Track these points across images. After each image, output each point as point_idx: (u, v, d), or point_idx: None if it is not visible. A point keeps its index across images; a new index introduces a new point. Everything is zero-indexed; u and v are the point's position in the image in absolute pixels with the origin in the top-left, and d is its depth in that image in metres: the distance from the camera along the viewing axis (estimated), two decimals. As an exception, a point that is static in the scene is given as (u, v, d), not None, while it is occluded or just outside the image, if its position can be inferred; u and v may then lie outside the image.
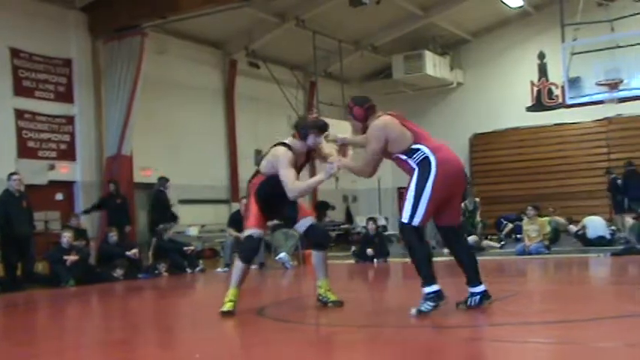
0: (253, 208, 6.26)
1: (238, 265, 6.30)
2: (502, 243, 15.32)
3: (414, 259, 5.62)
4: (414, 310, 5.49)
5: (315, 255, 6.44)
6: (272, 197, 6.22)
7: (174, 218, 14.79)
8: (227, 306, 6.16)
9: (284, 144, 6.45)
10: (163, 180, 14.99)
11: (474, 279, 5.74)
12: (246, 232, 6.28)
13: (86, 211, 13.57)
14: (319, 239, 6.43)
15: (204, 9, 14.83)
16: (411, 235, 5.57)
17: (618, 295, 7.12)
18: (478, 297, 5.70)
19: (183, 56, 17.34)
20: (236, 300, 6.18)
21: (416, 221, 5.51)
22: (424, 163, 5.54)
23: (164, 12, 14.55)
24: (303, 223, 6.35)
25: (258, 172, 6.51)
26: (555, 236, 14.47)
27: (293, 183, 6.05)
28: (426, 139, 5.71)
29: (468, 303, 5.71)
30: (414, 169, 5.59)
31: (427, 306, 5.46)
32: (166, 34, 16.49)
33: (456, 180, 5.63)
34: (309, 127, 6.44)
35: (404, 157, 5.67)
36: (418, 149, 5.61)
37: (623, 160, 19.63)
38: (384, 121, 5.88)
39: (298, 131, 6.46)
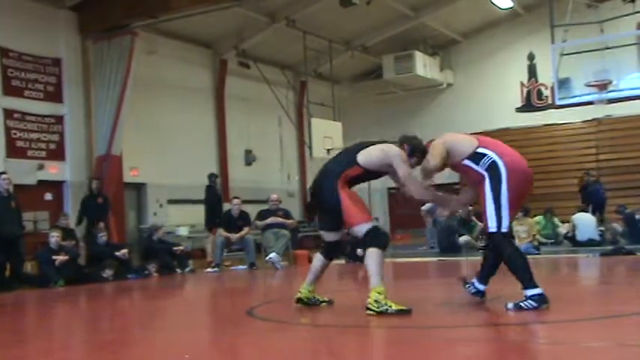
0: (356, 201, 5.76)
1: (377, 254, 5.61)
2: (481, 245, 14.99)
3: (509, 266, 5.58)
4: (511, 305, 5.44)
5: (322, 261, 6.23)
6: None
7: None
8: (390, 305, 5.48)
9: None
10: (213, 176, 15.10)
11: (484, 278, 5.95)
12: (366, 227, 5.67)
13: (79, 222, 13.40)
14: (339, 253, 6.36)
15: (195, 9, 14.81)
16: (503, 243, 5.56)
17: (607, 295, 7.15)
18: (474, 290, 5.99)
19: (174, 56, 17.31)
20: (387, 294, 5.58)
21: (504, 226, 5.49)
22: (492, 167, 5.53)
23: (154, 12, 14.51)
24: (365, 226, 5.77)
25: (344, 166, 5.86)
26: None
27: (418, 185, 5.81)
28: (489, 143, 5.73)
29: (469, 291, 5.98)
30: (484, 175, 5.56)
31: (529, 305, 5.38)
32: (156, 33, 16.46)
33: (525, 183, 5.64)
34: (418, 150, 5.97)
35: (470, 163, 5.63)
36: (485, 154, 5.59)
37: (613, 161, 19.78)
38: (442, 137, 5.88)
39: (406, 144, 6.00)
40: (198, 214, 17.42)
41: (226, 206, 15.69)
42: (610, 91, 14.56)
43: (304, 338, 5.29)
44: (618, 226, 13.92)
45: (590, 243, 13.45)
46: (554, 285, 8.58)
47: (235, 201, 13.46)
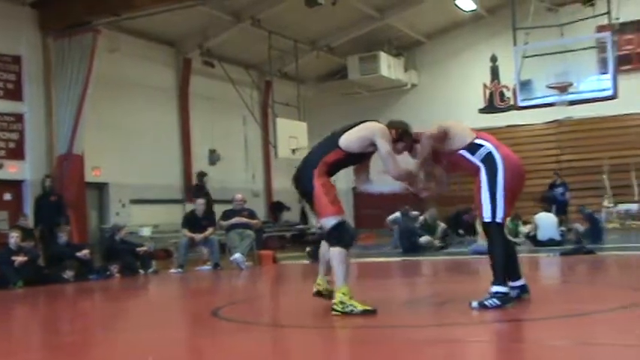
0: (331, 192, 5.61)
1: (338, 253, 5.56)
2: (440, 245, 15.02)
3: (491, 256, 5.64)
4: (475, 303, 5.45)
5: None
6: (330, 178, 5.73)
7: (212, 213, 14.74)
8: (356, 305, 5.46)
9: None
10: (202, 175, 14.96)
11: (514, 275, 5.80)
12: (331, 221, 5.57)
13: (37, 222, 13.13)
14: (351, 238, 6.05)
15: (158, 7, 14.67)
16: (495, 232, 5.58)
17: (568, 295, 7.26)
18: (517, 291, 5.78)
19: (137, 54, 17.13)
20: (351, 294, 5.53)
21: (499, 217, 5.50)
22: (489, 159, 5.55)
23: (117, 9, 14.35)
24: (331, 220, 5.75)
25: (322, 152, 5.75)
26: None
27: (397, 165, 5.64)
28: (486, 136, 5.77)
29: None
30: (479, 167, 5.58)
31: (492, 304, 5.42)
32: (119, 31, 16.26)
33: (519, 180, 5.67)
34: (406, 135, 5.84)
35: (466, 153, 5.63)
36: (482, 145, 5.61)
37: (573, 161, 20.11)
38: (446, 122, 5.85)
39: (395, 129, 5.81)
40: (161, 214, 17.31)
41: (189, 206, 15.62)
42: (570, 93, 14.80)
43: (269, 339, 5.27)
44: (580, 226, 14.13)
45: (550, 243, 13.63)
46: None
47: (199, 201, 13.37)
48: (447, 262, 12.45)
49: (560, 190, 16.66)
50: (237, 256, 12.46)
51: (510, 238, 15.08)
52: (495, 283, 5.48)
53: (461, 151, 5.66)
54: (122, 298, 9.48)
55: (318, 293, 6.12)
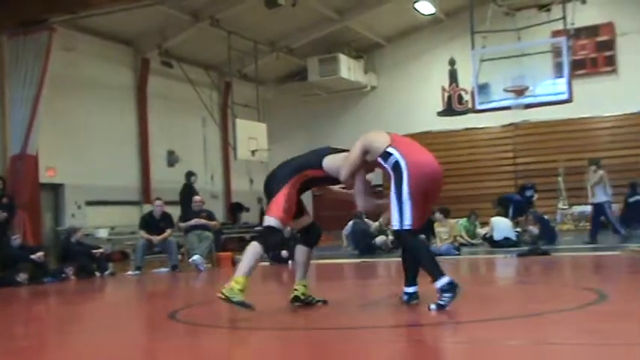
0: (292, 197, 5.80)
1: (258, 251, 5.71)
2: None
3: (417, 260, 5.69)
4: (433, 306, 5.46)
5: (306, 252, 6.19)
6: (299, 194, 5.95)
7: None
8: (237, 294, 5.60)
9: None
10: (191, 174, 14.78)
11: (410, 280, 5.90)
12: (270, 221, 5.73)
13: None
14: (317, 237, 6.26)
15: (116, 5, 14.48)
16: (407, 239, 5.63)
17: (524, 295, 7.35)
18: (407, 296, 5.87)
19: (93, 54, 16.89)
20: (245, 288, 5.66)
21: (406, 224, 5.53)
22: (396, 168, 5.60)
23: (73, 7, 14.10)
24: (305, 220, 6.14)
25: (308, 165, 5.96)
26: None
27: (350, 172, 5.82)
28: (401, 143, 5.77)
29: (403, 300, 5.89)
30: (390, 174, 5.66)
31: (445, 298, 5.43)
32: (75, 30, 16.01)
33: (429, 183, 5.67)
34: None
35: (381, 161, 5.71)
36: (391, 154, 5.66)
37: (529, 164, 20.43)
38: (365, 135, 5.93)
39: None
40: (118, 215, 17.09)
41: (146, 208, 15.45)
42: (526, 97, 15.01)
43: (227, 341, 5.24)
44: (535, 229, 14.35)
45: (506, 243, 13.81)
46: (474, 285, 8.78)
47: (157, 202, 13.24)
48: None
49: (529, 192, 16.90)
50: (195, 257, 12.37)
51: (467, 239, 15.43)
52: (436, 279, 5.51)
53: (379, 159, 5.76)
54: (78, 301, 9.33)
55: (296, 298, 6.11)
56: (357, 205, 6.07)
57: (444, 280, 5.47)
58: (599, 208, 13.97)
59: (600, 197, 13.95)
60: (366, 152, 5.79)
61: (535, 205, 16.77)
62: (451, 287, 5.45)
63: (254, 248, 5.70)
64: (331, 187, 6.35)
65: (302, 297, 6.09)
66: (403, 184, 5.53)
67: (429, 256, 5.67)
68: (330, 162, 5.90)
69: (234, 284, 5.56)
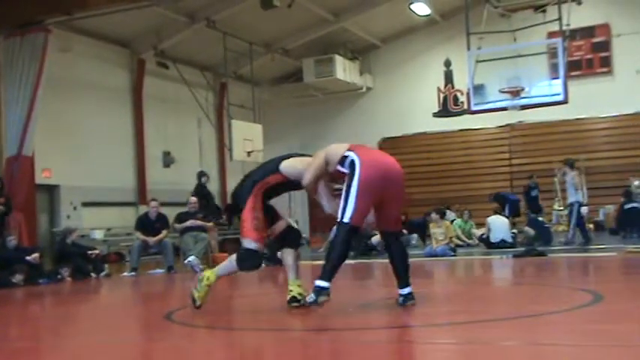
0: (260, 217, 5.93)
1: (233, 267, 6.04)
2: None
3: (328, 252, 5.77)
4: (307, 298, 5.66)
5: (291, 253, 6.29)
6: (265, 202, 6.08)
7: (217, 210, 14.56)
8: (200, 294, 6.12)
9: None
10: (203, 174, 14.81)
11: (402, 282, 5.90)
12: (249, 245, 5.91)
13: None
14: (297, 238, 6.41)
15: (112, 7, 14.47)
16: (341, 232, 5.68)
17: (520, 296, 7.37)
18: (402, 298, 5.88)
19: (89, 55, 16.88)
20: (209, 289, 6.13)
21: (346, 217, 5.59)
22: (351, 165, 5.71)
23: (69, 8, 14.10)
24: (281, 224, 6.26)
25: (264, 174, 6.10)
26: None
27: (312, 178, 5.93)
28: (359, 148, 5.88)
29: (399, 302, 5.89)
30: (346, 173, 5.74)
31: (311, 297, 5.58)
32: (71, 31, 15.99)
33: (383, 184, 5.69)
34: None
35: (340, 167, 5.81)
36: (347, 156, 5.78)
37: (525, 165, 20.46)
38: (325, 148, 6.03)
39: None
40: (114, 216, 17.06)
41: (142, 209, 15.43)
42: (522, 98, 15.02)
43: (222, 342, 5.24)
44: (530, 230, 14.38)
45: (502, 245, 13.84)
46: (470, 286, 8.80)
47: (153, 203, 13.23)
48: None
49: (535, 192, 16.95)
50: (191, 258, 12.32)
51: (464, 239, 15.47)
52: (321, 278, 5.61)
53: (337, 167, 5.85)
54: (73, 303, 9.31)
55: (293, 299, 6.14)
56: (323, 208, 6.12)
57: (323, 284, 5.57)
58: (569, 208, 13.97)
59: (571, 198, 13.96)
60: (327, 163, 5.90)
61: (540, 205, 16.88)
62: (321, 293, 5.55)
63: (231, 263, 6.02)
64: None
65: (299, 297, 6.11)
66: (354, 179, 5.63)
67: (337, 261, 5.68)
68: (288, 165, 6.02)
69: (206, 280, 6.04)
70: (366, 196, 5.62)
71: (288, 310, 6.06)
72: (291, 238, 6.35)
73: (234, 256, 6.03)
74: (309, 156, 6.14)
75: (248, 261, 5.94)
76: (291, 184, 6.14)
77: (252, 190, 5.95)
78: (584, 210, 14.16)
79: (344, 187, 5.69)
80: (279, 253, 12.63)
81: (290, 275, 6.25)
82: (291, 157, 6.18)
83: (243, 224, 5.92)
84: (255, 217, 5.88)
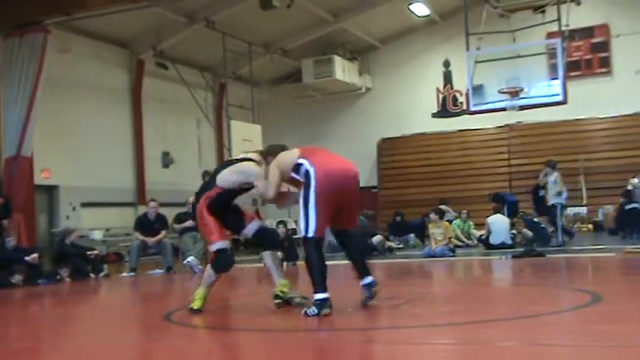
0: (212, 221, 6.20)
1: (212, 274, 6.27)
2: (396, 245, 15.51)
3: (308, 268, 5.79)
4: (303, 312, 5.63)
5: (270, 255, 6.44)
6: (222, 210, 6.29)
7: None
8: (196, 304, 6.20)
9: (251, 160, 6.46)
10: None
11: (363, 273, 5.99)
12: (217, 246, 6.18)
13: None
14: (272, 239, 6.56)
15: (111, 7, 14.48)
16: (309, 247, 5.76)
17: (519, 296, 7.37)
18: (367, 288, 5.96)
19: (89, 55, 16.87)
20: (205, 299, 6.24)
21: (310, 232, 5.67)
22: (306, 175, 5.74)
23: (68, 9, 14.10)
24: (251, 227, 6.41)
25: (206, 187, 6.40)
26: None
27: (270, 189, 6.10)
28: (311, 154, 5.92)
29: (365, 294, 5.97)
30: (301, 181, 5.81)
31: (313, 311, 5.56)
32: (70, 31, 15.99)
33: (339, 190, 5.74)
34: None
35: (295, 175, 5.88)
36: (301, 164, 5.81)
37: (523, 166, 20.48)
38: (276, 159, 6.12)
39: (273, 155, 6.24)
40: (113, 217, 17.06)
41: (141, 209, 15.42)
42: (521, 98, 15.02)
43: (222, 343, 5.24)
44: (528, 232, 14.36)
45: (502, 246, 13.83)
46: (469, 286, 8.80)
47: (152, 204, 13.21)
48: (400, 264, 12.54)
49: (542, 192, 16.97)
50: (190, 259, 12.35)
51: (463, 239, 15.47)
52: (316, 291, 5.65)
53: (292, 174, 5.91)
54: (72, 303, 9.31)
55: (276, 297, 6.27)
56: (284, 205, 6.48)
57: (321, 296, 5.60)
58: (553, 210, 13.93)
59: (553, 199, 13.93)
60: (281, 174, 5.99)
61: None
62: (323, 304, 5.56)
63: (208, 275, 6.28)
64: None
65: (281, 294, 6.24)
66: (310, 191, 5.67)
67: (320, 269, 5.73)
68: (223, 180, 6.28)
69: (198, 299, 6.20)
70: (325, 207, 5.68)
71: (288, 310, 6.06)
72: (267, 240, 6.50)
73: (207, 272, 6.30)
74: (244, 160, 6.35)
75: (221, 261, 6.16)
76: (237, 191, 6.33)
77: (200, 200, 6.25)
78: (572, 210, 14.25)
79: (301, 199, 5.72)
80: (278, 254, 12.67)
81: (274, 277, 6.37)
82: (230, 165, 6.42)
83: (203, 234, 6.37)
84: (205, 225, 6.20)
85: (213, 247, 6.18)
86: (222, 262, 6.19)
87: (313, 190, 5.63)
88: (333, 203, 5.72)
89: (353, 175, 5.90)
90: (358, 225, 6.18)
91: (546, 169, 14.44)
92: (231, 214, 6.36)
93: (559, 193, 13.95)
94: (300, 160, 5.82)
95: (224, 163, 6.69)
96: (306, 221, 5.67)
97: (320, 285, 5.63)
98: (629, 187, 16.05)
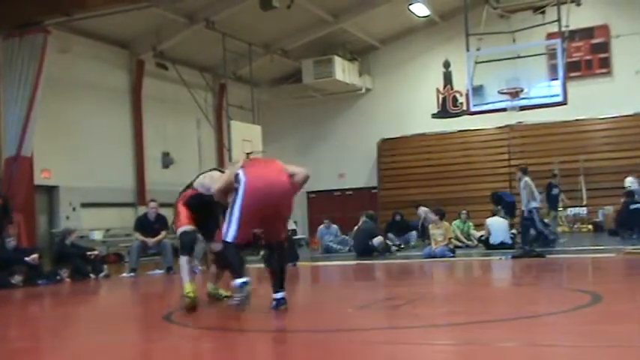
0: (183, 211, 6.70)
1: (182, 260, 6.67)
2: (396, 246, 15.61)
3: (228, 266, 6.23)
4: (230, 303, 6.10)
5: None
6: (196, 212, 6.72)
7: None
8: (188, 301, 6.42)
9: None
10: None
11: (276, 287, 6.13)
12: (180, 230, 6.67)
13: None
14: (225, 263, 6.81)
15: (111, 7, 14.48)
16: (227, 249, 6.11)
17: (519, 297, 7.37)
18: (275, 302, 6.08)
19: (89, 56, 16.87)
20: (195, 292, 6.51)
21: (229, 237, 6.00)
22: (238, 185, 6.02)
23: (68, 9, 14.10)
24: (217, 246, 6.71)
25: (189, 187, 6.94)
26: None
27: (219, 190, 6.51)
28: (251, 165, 6.28)
29: (271, 306, 6.11)
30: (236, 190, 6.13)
31: (237, 297, 5.93)
32: (70, 32, 15.99)
33: (265, 201, 5.95)
34: None
35: (237, 185, 6.10)
36: (238, 173, 6.10)
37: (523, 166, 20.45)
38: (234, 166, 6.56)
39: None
40: (113, 217, 17.05)
41: (141, 209, 15.41)
42: (521, 99, 15.03)
43: (221, 343, 5.23)
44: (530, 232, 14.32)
45: (502, 246, 13.83)
46: (469, 287, 8.80)
47: (152, 204, 13.21)
48: (401, 265, 12.53)
49: (556, 190, 16.99)
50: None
51: (463, 239, 15.47)
52: (234, 278, 5.97)
53: (235, 185, 6.12)
54: (72, 303, 9.31)
55: (208, 294, 7.06)
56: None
57: (240, 280, 5.88)
58: (527, 215, 13.77)
59: (530, 203, 13.77)
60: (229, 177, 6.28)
61: (560, 203, 16.90)
62: (243, 286, 5.85)
63: (180, 264, 6.66)
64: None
65: (210, 294, 7.01)
66: (237, 199, 5.95)
67: (237, 262, 6.05)
68: (197, 183, 6.81)
69: (187, 296, 6.44)
70: (248, 216, 5.95)
71: (288, 311, 6.06)
72: (225, 261, 6.73)
73: (180, 262, 6.72)
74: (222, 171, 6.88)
75: (182, 242, 6.67)
76: (209, 197, 6.64)
77: (179, 199, 6.81)
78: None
79: (230, 204, 6.05)
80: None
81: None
82: (212, 171, 6.99)
83: (175, 226, 6.85)
84: (177, 214, 6.75)
85: (178, 231, 6.67)
86: (183, 242, 6.65)
87: (240, 198, 5.93)
88: (258, 213, 5.98)
89: (279, 189, 6.04)
90: (283, 239, 6.33)
91: (518, 173, 14.42)
92: (205, 220, 6.73)
93: (533, 198, 13.83)
94: (239, 170, 6.12)
95: (201, 172, 7.17)
96: (228, 226, 6.00)
97: (238, 274, 5.93)
98: (631, 187, 16.05)
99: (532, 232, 14.29)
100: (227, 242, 6.05)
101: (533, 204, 13.72)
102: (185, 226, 6.66)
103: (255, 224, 6.13)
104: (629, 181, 16.91)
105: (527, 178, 13.90)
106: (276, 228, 6.23)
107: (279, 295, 6.08)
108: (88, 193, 16.50)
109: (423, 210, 17.49)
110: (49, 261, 12.81)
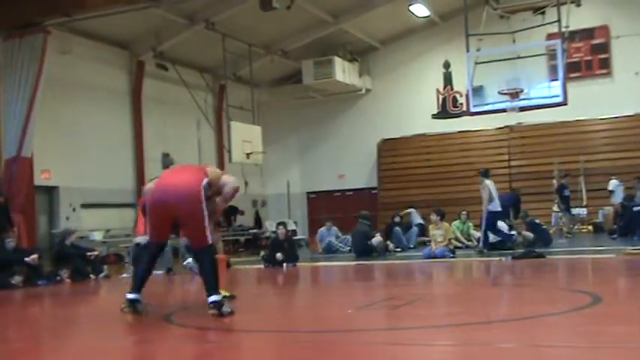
0: (143, 217, 7.14)
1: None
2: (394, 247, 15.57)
3: (135, 268, 6.64)
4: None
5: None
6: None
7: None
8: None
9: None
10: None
11: (210, 290, 6.11)
12: (137, 239, 7.15)
13: None
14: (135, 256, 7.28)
15: (111, 8, 14.48)
16: (142, 250, 6.62)
17: (519, 297, 7.36)
18: (209, 306, 6.09)
19: (89, 56, 16.87)
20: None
21: (143, 240, 6.61)
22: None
23: (69, 10, 14.11)
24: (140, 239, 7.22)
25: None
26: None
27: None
28: (165, 173, 6.78)
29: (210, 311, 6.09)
30: None
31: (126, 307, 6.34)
32: (71, 32, 15.99)
33: (163, 205, 6.18)
34: None
35: None
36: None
37: (523, 167, 20.48)
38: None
39: None
40: (113, 218, 17.05)
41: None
42: (521, 99, 15.02)
43: (221, 344, 5.23)
44: (529, 234, 14.33)
45: (501, 246, 13.80)
46: (469, 287, 8.80)
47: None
48: (401, 265, 12.53)
49: (567, 191, 16.96)
50: (190, 260, 12.33)
51: (463, 240, 15.46)
52: (131, 292, 6.36)
53: None
54: (72, 304, 9.31)
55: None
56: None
57: (132, 296, 6.32)
58: (488, 217, 13.72)
59: (492, 207, 13.71)
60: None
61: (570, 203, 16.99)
62: (131, 304, 6.32)
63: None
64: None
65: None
66: (147, 206, 6.41)
67: (142, 274, 6.46)
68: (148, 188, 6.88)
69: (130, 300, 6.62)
70: (153, 216, 6.30)
71: (288, 311, 6.06)
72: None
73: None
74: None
75: (136, 255, 7.07)
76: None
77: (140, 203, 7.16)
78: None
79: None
80: (278, 255, 12.67)
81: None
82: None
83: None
84: (143, 220, 7.05)
85: (135, 240, 7.27)
86: (138, 254, 7.26)
87: (148, 204, 6.34)
88: (160, 214, 6.23)
89: (174, 191, 6.14)
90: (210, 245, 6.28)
91: (480, 177, 14.44)
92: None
93: (493, 201, 13.79)
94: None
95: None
96: (146, 229, 6.47)
97: (135, 288, 6.36)
98: (614, 189, 16.09)
99: (530, 235, 14.28)
100: (138, 244, 6.43)
101: (492, 207, 13.65)
102: (141, 237, 7.11)
103: (163, 225, 6.31)
104: (613, 184, 16.94)
105: (487, 181, 13.90)
106: (194, 234, 6.24)
107: (209, 299, 6.06)
108: (88, 193, 16.49)
109: (411, 210, 17.84)
110: (49, 261, 12.80)
